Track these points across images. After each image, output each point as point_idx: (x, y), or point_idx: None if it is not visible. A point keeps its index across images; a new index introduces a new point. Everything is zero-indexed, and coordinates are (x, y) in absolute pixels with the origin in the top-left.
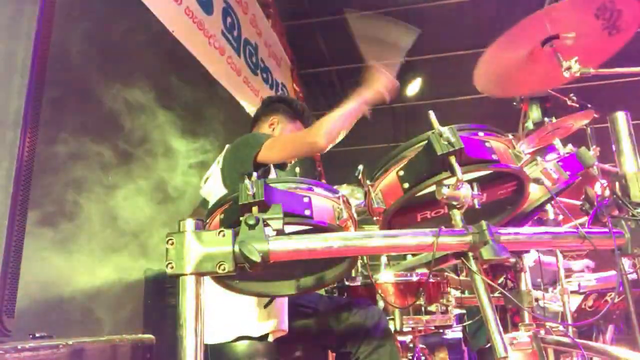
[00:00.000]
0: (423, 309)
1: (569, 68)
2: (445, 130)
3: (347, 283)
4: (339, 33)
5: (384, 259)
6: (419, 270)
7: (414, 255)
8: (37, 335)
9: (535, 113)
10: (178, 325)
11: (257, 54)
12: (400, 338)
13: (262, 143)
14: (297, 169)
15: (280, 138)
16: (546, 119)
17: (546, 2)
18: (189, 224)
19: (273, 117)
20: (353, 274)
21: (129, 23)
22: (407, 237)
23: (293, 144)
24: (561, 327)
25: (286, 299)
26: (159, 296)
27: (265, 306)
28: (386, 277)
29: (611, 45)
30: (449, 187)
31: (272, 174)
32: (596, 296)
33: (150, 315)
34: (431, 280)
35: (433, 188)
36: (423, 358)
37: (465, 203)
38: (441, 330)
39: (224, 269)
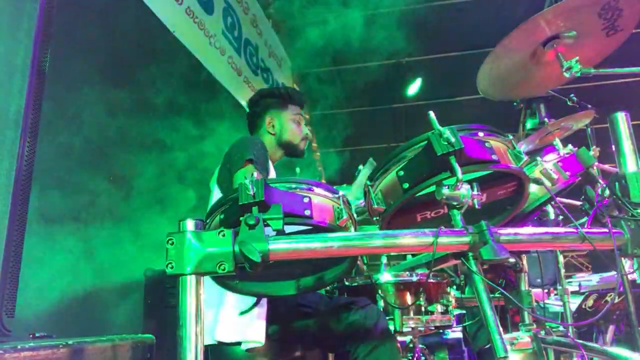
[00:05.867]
0: (423, 309)
1: (569, 68)
2: (445, 131)
3: (347, 283)
4: None
5: (384, 259)
6: (419, 270)
7: (413, 255)
8: (37, 335)
9: (535, 113)
10: (178, 325)
11: (258, 54)
12: (400, 338)
13: (241, 166)
14: (297, 169)
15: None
16: (546, 119)
17: (546, 3)
18: (189, 224)
19: (268, 117)
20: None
21: (130, 22)
22: (407, 237)
23: None
24: (561, 328)
25: (265, 309)
26: (159, 296)
27: (242, 313)
28: (386, 277)
29: (607, 47)
30: (448, 187)
31: (272, 173)
32: (596, 296)
33: (150, 315)
34: (431, 280)
35: (433, 188)
36: (423, 358)
37: (465, 203)
38: (441, 331)
39: (224, 269)
